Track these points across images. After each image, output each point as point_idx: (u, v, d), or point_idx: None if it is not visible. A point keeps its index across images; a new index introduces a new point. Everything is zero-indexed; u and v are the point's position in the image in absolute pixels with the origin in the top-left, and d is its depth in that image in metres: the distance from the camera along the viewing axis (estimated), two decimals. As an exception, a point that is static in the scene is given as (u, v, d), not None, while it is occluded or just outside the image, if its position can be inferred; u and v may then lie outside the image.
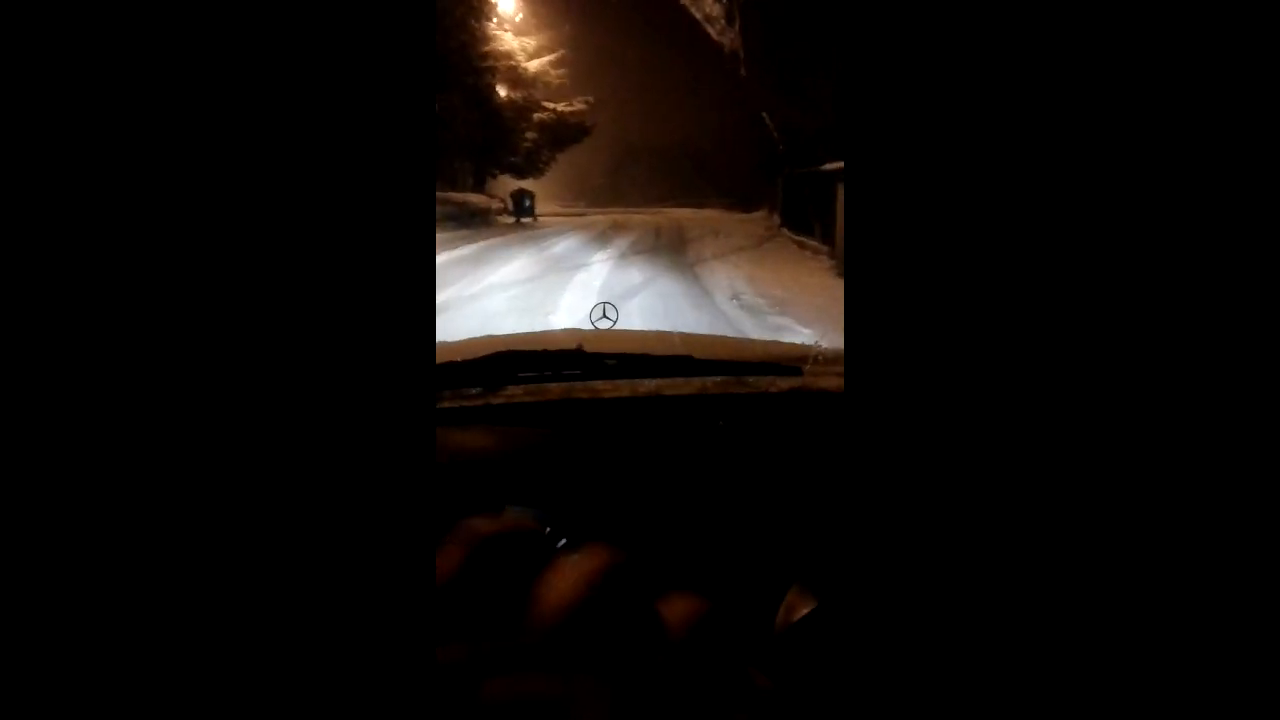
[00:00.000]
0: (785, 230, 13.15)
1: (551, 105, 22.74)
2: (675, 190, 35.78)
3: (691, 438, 0.87)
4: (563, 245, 11.41)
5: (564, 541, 0.77)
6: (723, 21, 20.03)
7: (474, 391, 0.97)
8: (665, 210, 29.09)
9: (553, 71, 23.15)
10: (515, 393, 0.98)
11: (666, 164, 37.81)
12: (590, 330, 1.27)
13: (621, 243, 12.72)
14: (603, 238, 14.05)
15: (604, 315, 1.33)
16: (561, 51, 23.01)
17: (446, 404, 0.96)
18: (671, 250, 11.37)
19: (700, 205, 30.60)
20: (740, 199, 27.57)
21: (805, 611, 0.65)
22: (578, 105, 23.25)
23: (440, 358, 0.99)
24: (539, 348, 1.05)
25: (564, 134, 22.71)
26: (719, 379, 1.01)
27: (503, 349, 1.04)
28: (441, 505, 0.69)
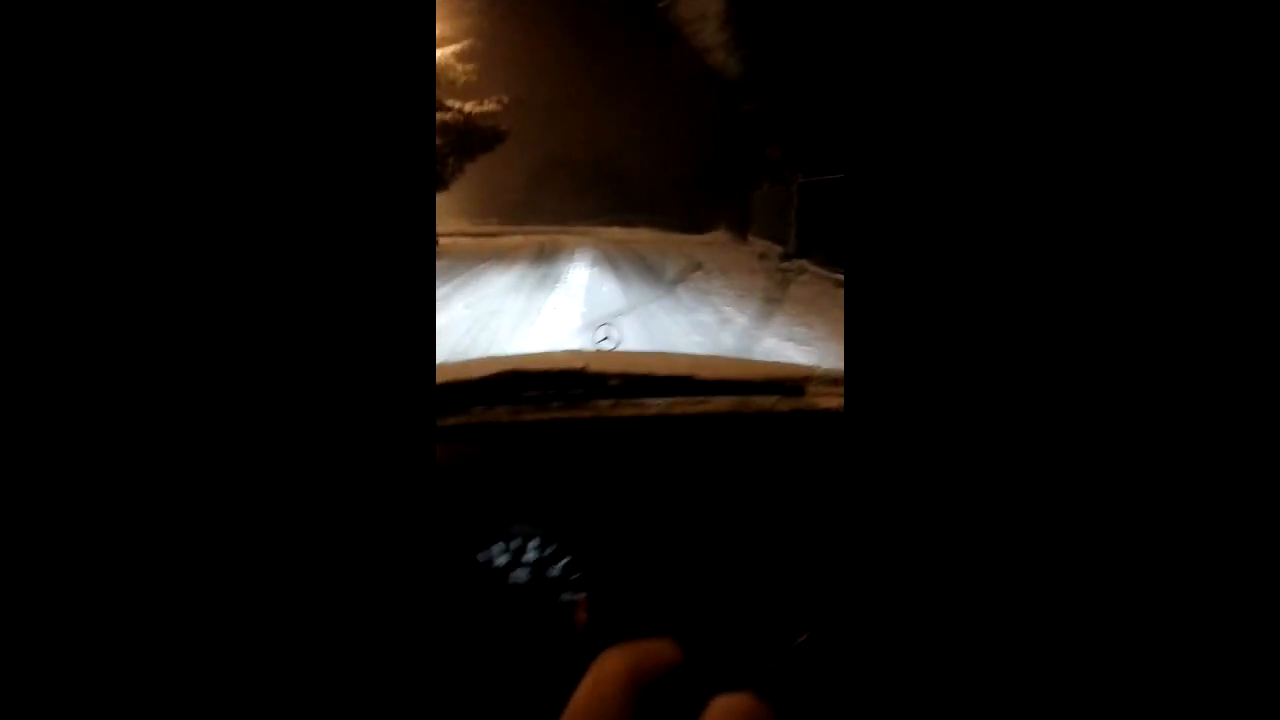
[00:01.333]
0: (808, 265, 8.59)
1: (457, 104, 17.80)
2: (600, 207, 30.49)
3: (696, 458, 0.86)
4: (466, 303, 6.75)
5: (567, 560, 0.76)
6: (723, 51, 16.27)
7: (478, 410, 0.95)
8: (594, 230, 24.11)
9: (459, 65, 18.30)
10: (520, 412, 0.96)
11: (589, 179, 32.54)
12: (593, 351, 1.25)
13: (570, 290, 7.83)
14: (538, 276, 9.10)
15: (606, 336, 1.29)
16: (469, 40, 18.03)
17: (450, 422, 0.93)
18: (673, 303, 6.65)
19: (630, 224, 25.53)
20: (679, 218, 22.72)
21: (800, 639, 0.64)
22: (489, 106, 18.49)
23: (444, 377, 0.98)
24: (544, 368, 1.05)
25: (473, 139, 17.95)
26: (723, 399, 0.98)
27: (508, 369, 1.02)
28: (446, 525, 0.70)
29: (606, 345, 1.27)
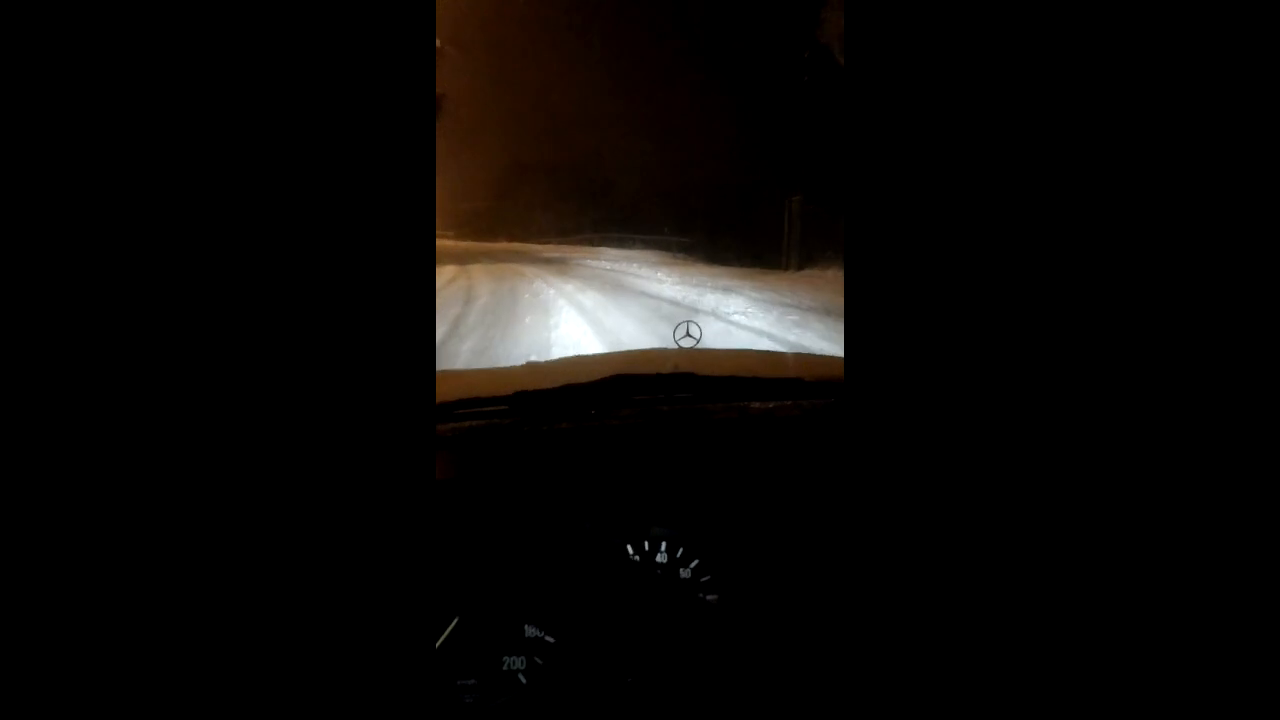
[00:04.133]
0: None
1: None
2: (583, 221, 23.24)
3: (799, 459, 0.95)
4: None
5: (696, 561, 0.88)
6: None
7: (591, 413, 1.08)
8: (570, 251, 17.49)
9: None
10: (630, 415, 1.08)
11: (570, 187, 25.36)
12: (675, 349, 1.37)
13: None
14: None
15: (688, 334, 1.41)
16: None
17: (564, 425, 1.07)
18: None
19: (623, 244, 18.70)
20: (690, 241, 14.38)
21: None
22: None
23: (557, 380, 1.15)
24: (650, 370, 1.18)
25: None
26: (830, 400, 1.05)
27: (618, 371, 1.15)
28: (598, 528, 0.88)
29: (688, 343, 1.34)
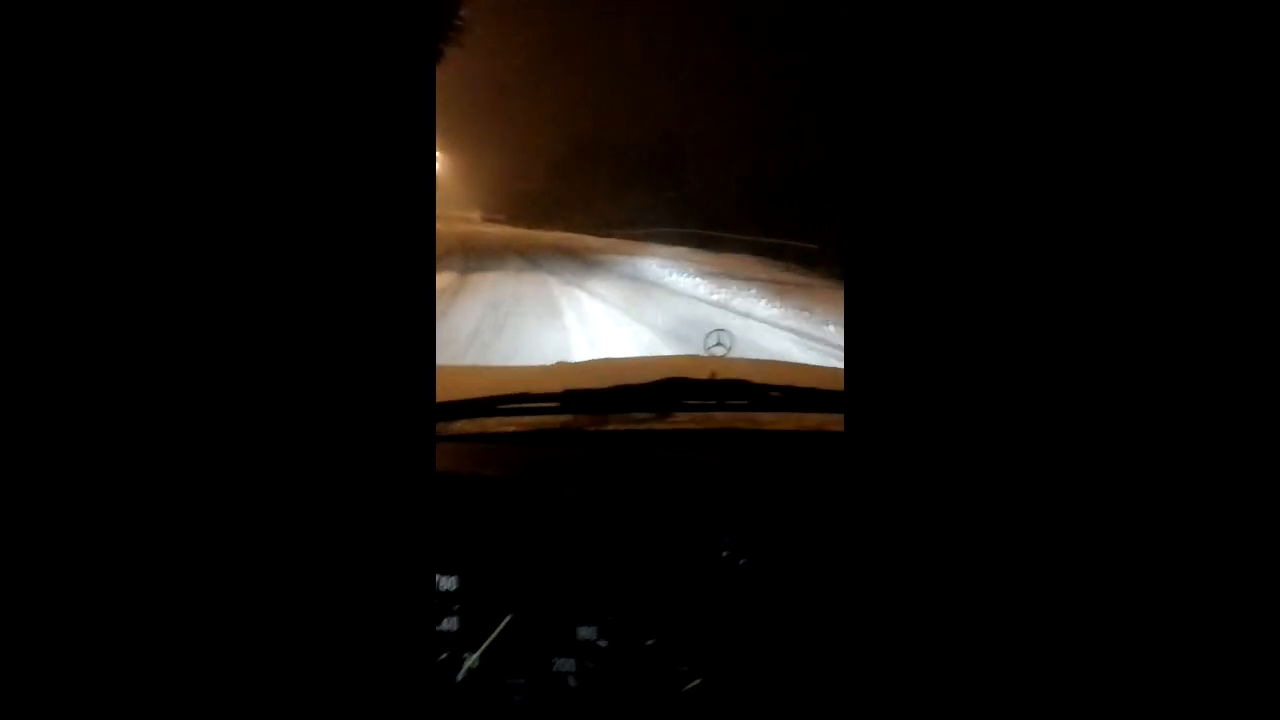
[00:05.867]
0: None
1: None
2: (649, 210, 20.16)
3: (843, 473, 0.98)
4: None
5: (744, 560, 0.75)
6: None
7: (642, 417, 1.02)
8: (633, 250, 14.44)
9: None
10: (681, 420, 1.03)
11: (639, 171, 22.15)
12: (709, 358, 1.25)
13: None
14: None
15: (719, 343, 1.25)
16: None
17: (614, 427, 1.02)
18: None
19: (706, 244, 15.49)
20: (789, 236, 13.10)
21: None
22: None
23: (611, 380, 1.06)
24: (705, 375, 1.10)
25: None
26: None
27: (672, 375, 1.07)
28: (655, 532, 0.76)
29: (719, 352, 1.22)
